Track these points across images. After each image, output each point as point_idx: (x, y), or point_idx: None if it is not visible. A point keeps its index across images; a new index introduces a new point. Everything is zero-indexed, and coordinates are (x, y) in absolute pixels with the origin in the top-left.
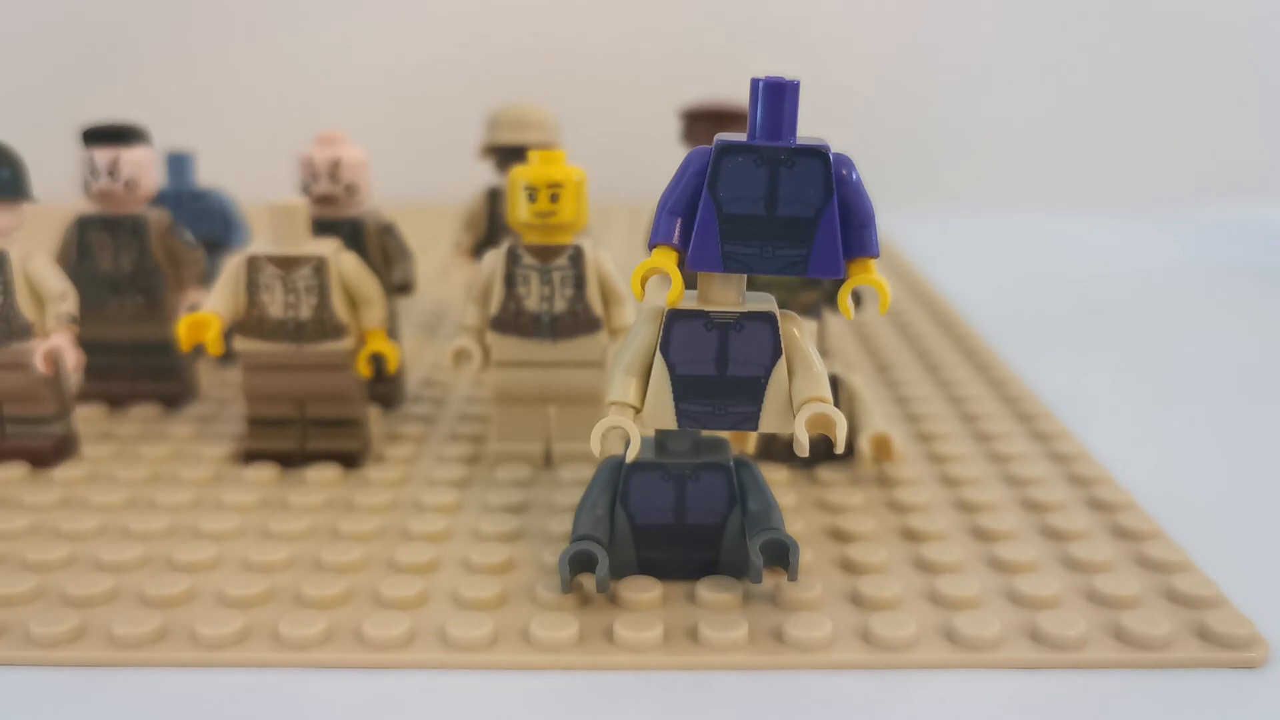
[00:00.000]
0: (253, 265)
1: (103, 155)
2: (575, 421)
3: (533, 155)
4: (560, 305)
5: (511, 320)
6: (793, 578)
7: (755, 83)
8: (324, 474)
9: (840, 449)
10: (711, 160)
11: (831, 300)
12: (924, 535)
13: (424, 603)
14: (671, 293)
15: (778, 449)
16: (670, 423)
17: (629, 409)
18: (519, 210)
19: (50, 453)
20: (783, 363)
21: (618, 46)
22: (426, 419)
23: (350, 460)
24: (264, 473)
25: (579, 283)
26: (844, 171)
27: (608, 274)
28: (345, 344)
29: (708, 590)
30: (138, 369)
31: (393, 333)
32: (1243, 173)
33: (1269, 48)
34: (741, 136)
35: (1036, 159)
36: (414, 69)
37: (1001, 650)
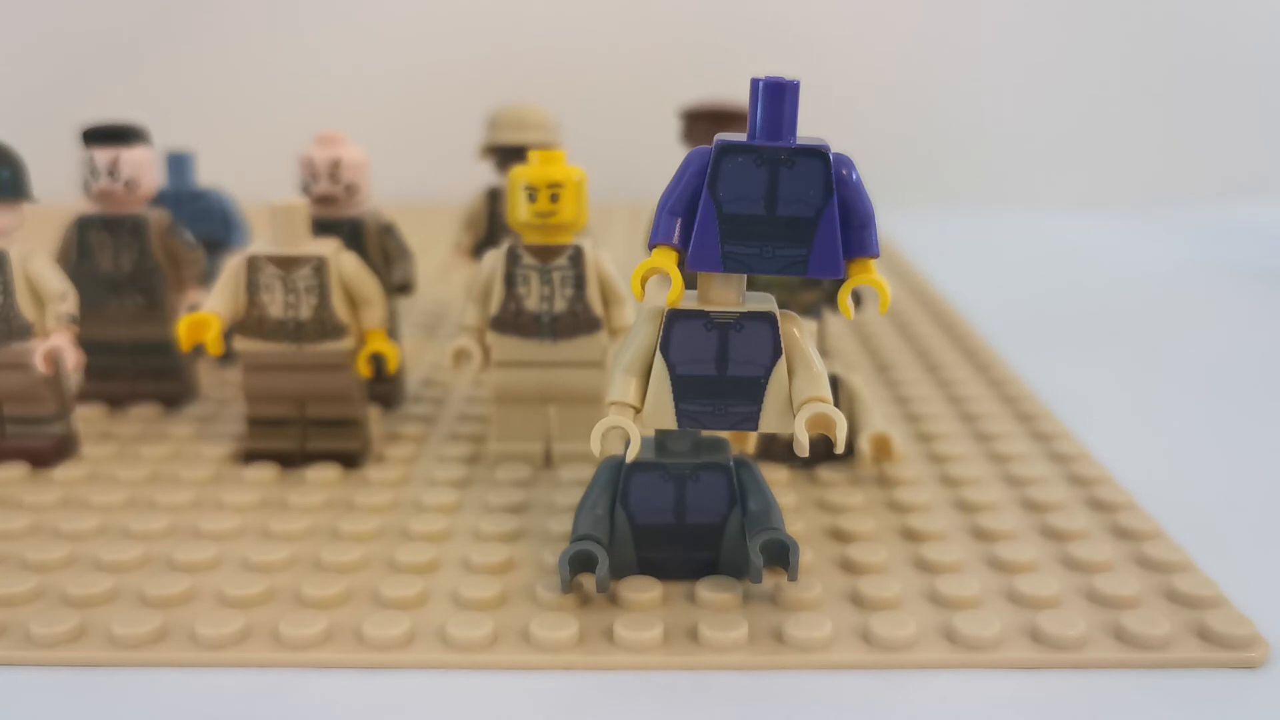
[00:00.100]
0: (253, 265)
1: (103, 155)
2: (575, 421)
3: (533, 155)
4: (560, 305)
5: (511, 320)
6: (793, 578)
7: (755, 83)
8: (324, 474)
9: (840, 449)
10: (711, 160)
11: (831, 300)
12: (924, 535)
13: (424, 603)
14: (671, 293)
15: (778, 449)
16: (670, 423)
17: (629, 409)
18: (519, 210)
19: (50, 453)
20: (783, 363)
21: (618, 47)
22: (426, 419)
23: (350, 460)
24: (264, 473)
25: (579, 283)
26: (844, 171)
27: (608, 274)
28: (345, 344)
29: (708, 590)
30: (138, 369)
31: (393, 333)
32: (1243, 173)
33: (1269, 48)
34: (741, 136)
35: (1036, 159)
36: (414, 69)
37: (1001, 650)
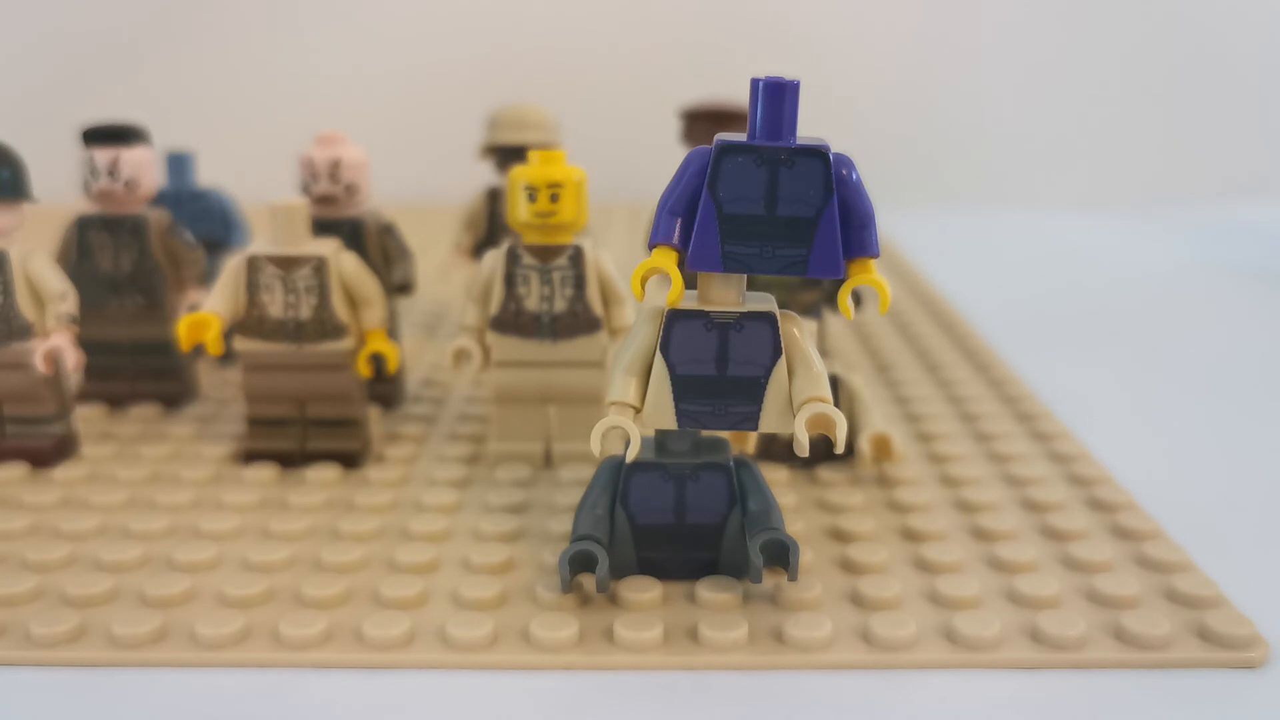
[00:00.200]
0: (253, 265)
1: (103, 155)
2: (575, 421)
3: (533, 155)
4: (560, 305)
5: (511, 320)
6: (793, 578)
7: (755, 83)
8: (324, 474)
9: (840, 449)
10: (711, 160)
11: (831, 300)
12: (924, 535)
13: (424, 603)
14: (671, 293)
15: (778, 449)
16: (670, 423)
17: (629, 409)
18: (519, 210)
19: (50, 453)
20: (783, 363)
21: (618, 47)
22: (426, 419)
23: (350, 460)
24: (264, 473)
25: (579, 283)
26: (844, 171)
27: (608, 274)
28: (345, 344)
29: (708, 590)
30: (138, 369)
31: (393, 333)
32: (1243, 173)
33: (1269, 48)
34: (741, 136)
35: (1036, 159)
36: (414, 69)
37: (1001, 650)
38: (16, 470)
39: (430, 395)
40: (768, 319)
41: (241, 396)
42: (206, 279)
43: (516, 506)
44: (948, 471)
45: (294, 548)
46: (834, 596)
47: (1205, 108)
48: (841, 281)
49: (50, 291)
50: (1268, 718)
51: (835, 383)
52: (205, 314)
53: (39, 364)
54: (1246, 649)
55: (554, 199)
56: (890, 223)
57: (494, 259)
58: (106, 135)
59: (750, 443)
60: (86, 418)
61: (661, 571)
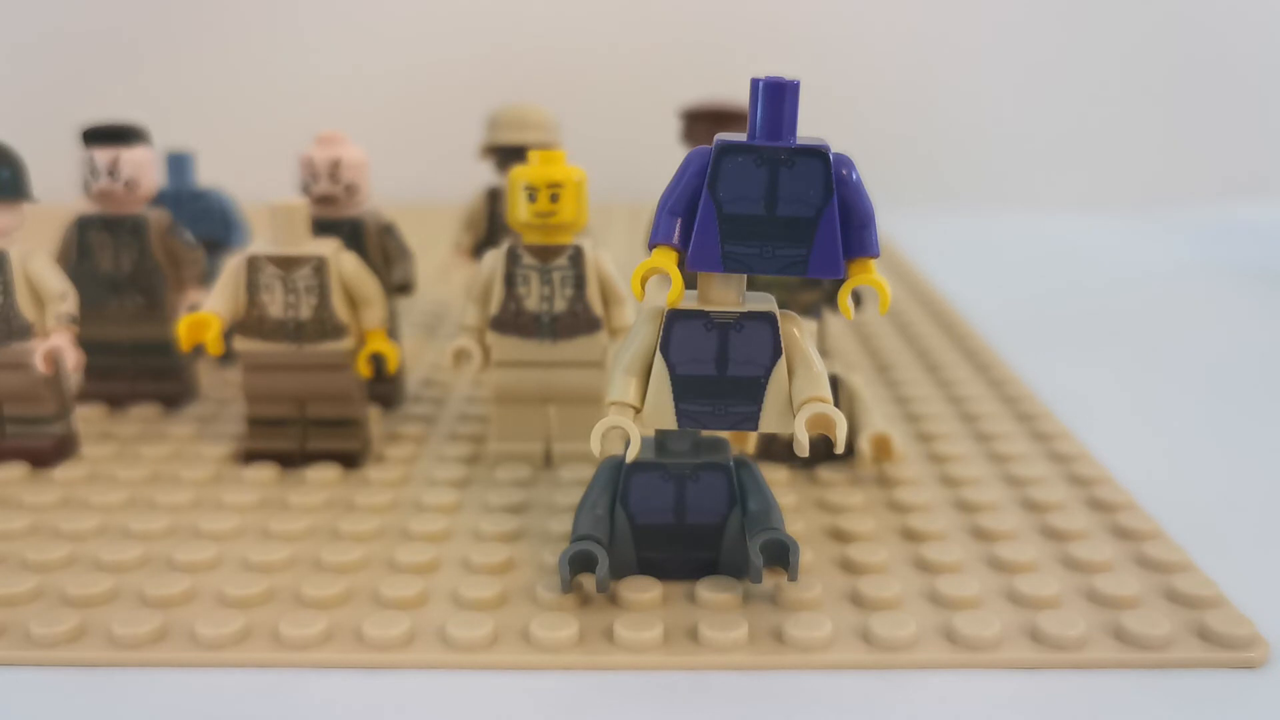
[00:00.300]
0: (253, 265)
1: (103, 155)
2: (575, 421)
3: (533, 155)
4: (560, 305)
5: (511, 320)
6: (793, 578)
7: (755, 83)
8: (324, 474)
9: (840, 449)
10: (711, 160)
11: (831, 300)
12: (924, 535)
13: (424, 603)
14: (671, 293)
15: (778, 449)
16: (670, 423)
17: (629, 409)
18: (519, 210)
19: (50, 453)
20: (783, 363)
21: (618, 47)
22: (426, 419)
23: (350, 460)
24: (264, 473)
25: (579, 283)
26: (844, 171)
27: (608, 274)
28: (345, 344)
29: (708, 590)
30: (138, 369)
31: (393, 333)
32: (1243, 173)
33: (1269, 48)
34: (741, 136)
35: (1036, 159)
36: (414, 69)
37: (1001, 650)
38: (16, 470)
39: (430, 395)
40: (768, 319)
41: (241, 396)
42: (206, 279)
43: (516, 506)
44: (948, 471)
45: (294, 548)
46: (834, 596)
47: (1205, 108)
48: (841, 281)
49: (50, 291)
50: (1268, 718)
51: (835, 383)
52: (205, 314)
53: (39, 364)
54: (1246, 649)
55: (554, 199)
56: (890, 223)
57: (494, 259)
58: (106, 135)
59: (750, 443)
60: (86, 418)
61: (661, 571)
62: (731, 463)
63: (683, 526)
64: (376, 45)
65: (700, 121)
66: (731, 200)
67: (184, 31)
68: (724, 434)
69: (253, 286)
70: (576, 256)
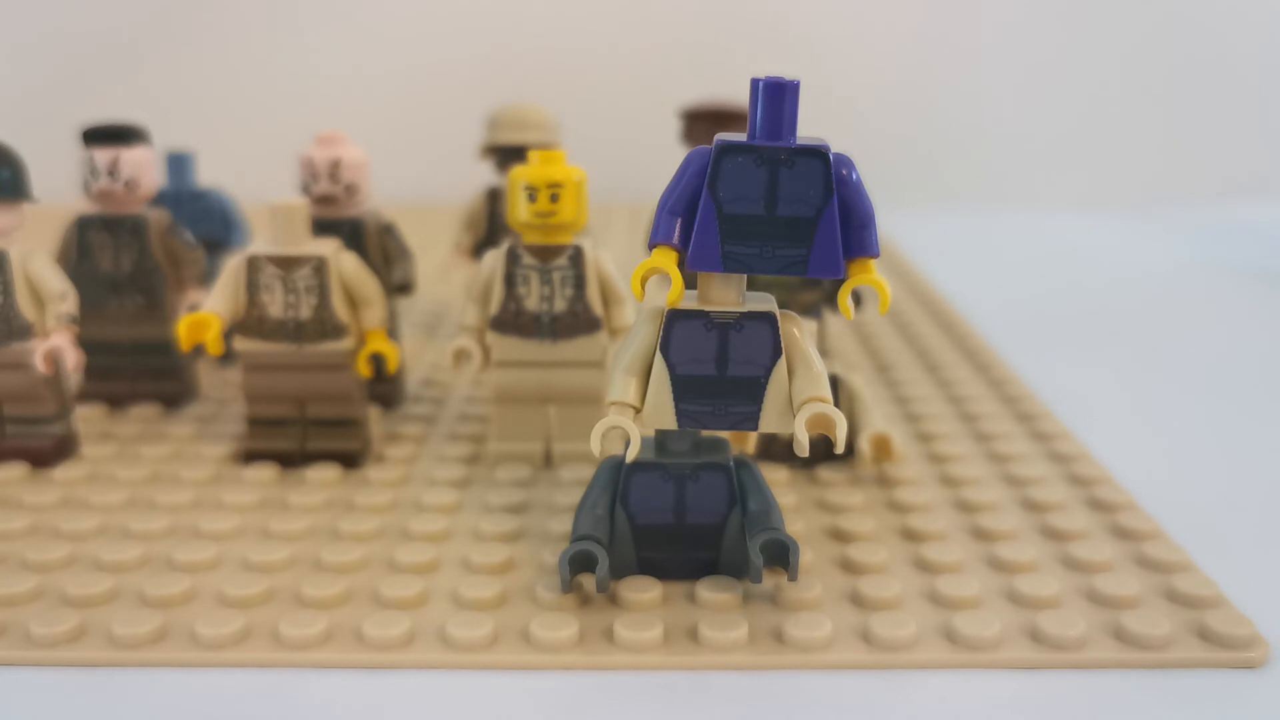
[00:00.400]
0: (253, 265)
1: (103, 155)
2: (575, 421)
3: (533, 155)
4: (560, 305)
5: (511, 320)
6: (793, 578)
7: (755, 83)
8: (324, 474)
9: (840, 449)
10: (711, 160)
11: (831, 300)
12: (924, 535)
13: (424, 603)
14: (671, 293)
15: (778, 449)
16: (670, 423)
17: (629, 409)
18: (519, 210)
19: (50, 453)
20: (783, 363)
21: (618, 47)
22: (426, 419)
23: (350, 460)
24: (264, 473)
25: (579, 283)
26: (844, 171)
27: (608, 274)
28: (345, 344)
29: (708, 590)
30: (138, 369)
31: (393, 333)
32: (1243, 173)
33: (1269, 48)
34: (741, 136)
35: (1036, 159)
36: (414, 69)
37: (1001, 650)
38: (16, 470)
39: (430, 395)
40: (768, 319)
41: (241, 396)
42: (206, 279)
43: (516, 506)
44: (948, 471)
45: (294, 548)
46: (834, 596)
47: (1205, 108)
48: (841, 281)
49: (50, 291)
50: (1268, 718)
51: (835, 383)
52: (205, 314)
53: (39, 364)
54: (1246, 649)
55: (554, 199)
56: (890, 223)
57: (494, 259)
58: (106, 135)
59: (750, 443)
60: (86, 418)
61: (661, 571)
62: (731, 463)
63: (683, 526)
64: (376, 45)
65: (700, 121)
66: (731, 200)
67: (184, 31)
68: (724, 434)
69: (253, 286)
70: (576, 256)
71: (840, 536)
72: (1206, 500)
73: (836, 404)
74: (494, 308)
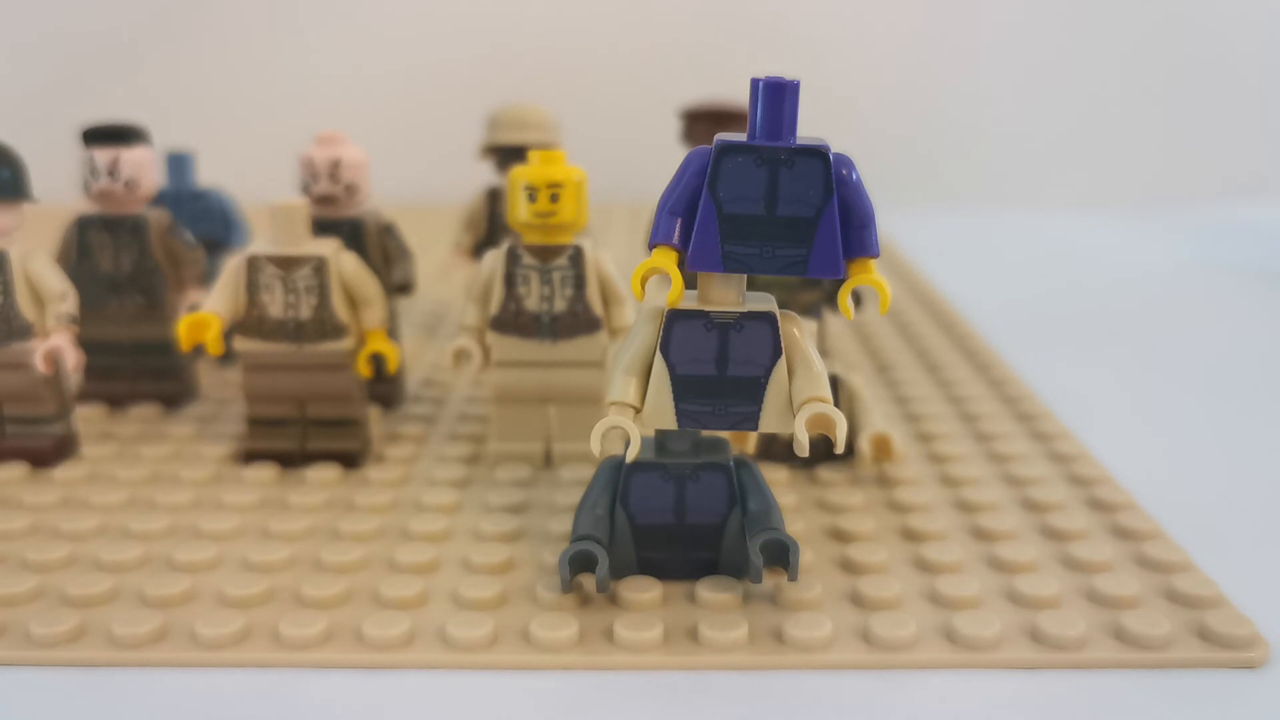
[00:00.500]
0: (253, 265)
1: (103, 155)
2: (575, 421)
3: (533, 155)
4: (560, 305)
5: (511, 320)
6: (793, 578)
7: (755, 83)
8: (324, 474)
9: (840, 449)
10: (711, 160)
11: (831, 300)
12: (924, 535)
13: (424, 603)
14: (671, 293)
15: (778, 449)
16: (670, 423)
17: (629, 409)
18: (519, 210)
19: (50, 453)
20: (783, 363)
21: (618, 47)
22: (426, 419)
23: (350, 460)
24: (264, 473)
25: (579, 283)
26: (844, 171)
27: (608, 274)
28: (345, 344)
29: (708, 590)
30: (138, 369)
31: (393, 333)
32: (1243, 173)
33: (1269, 48)
34: (741, 136)
35: (1036, 159)
36: (414, 69)
37: (1001, 650)
38: (16, 470)
39: (430, 395)
40: (768, 319)
41: (241, 396)
42: (206, 279)
43: (516, 506)
44: (948, 471)
45: (294, 548)
46: (834, 596)
47: (1205, 108)
48: (841, 281)
49: (50, 291)
50: (1268, 718)
51: (835, 383)
52: (205, 314)
53: (39, 364)
54: (1246, 649)
55: (554, 199)
56: (890, 223)
57: (494, 259)
58: (106, 135)
59: (750, 443)
60: (86, 418)
61: (661, 571)
62: (731, 463)
63: (683, 526)
64: (376, 45)
65: (700, 121)
66: (731, 200)
67: (184, 31)
68: (724, 434)
69: (253, 286)
70: (576, 256)
71: (840, 536)
72: (1206, 500)
73: (836, 404)
74: (494, 308)
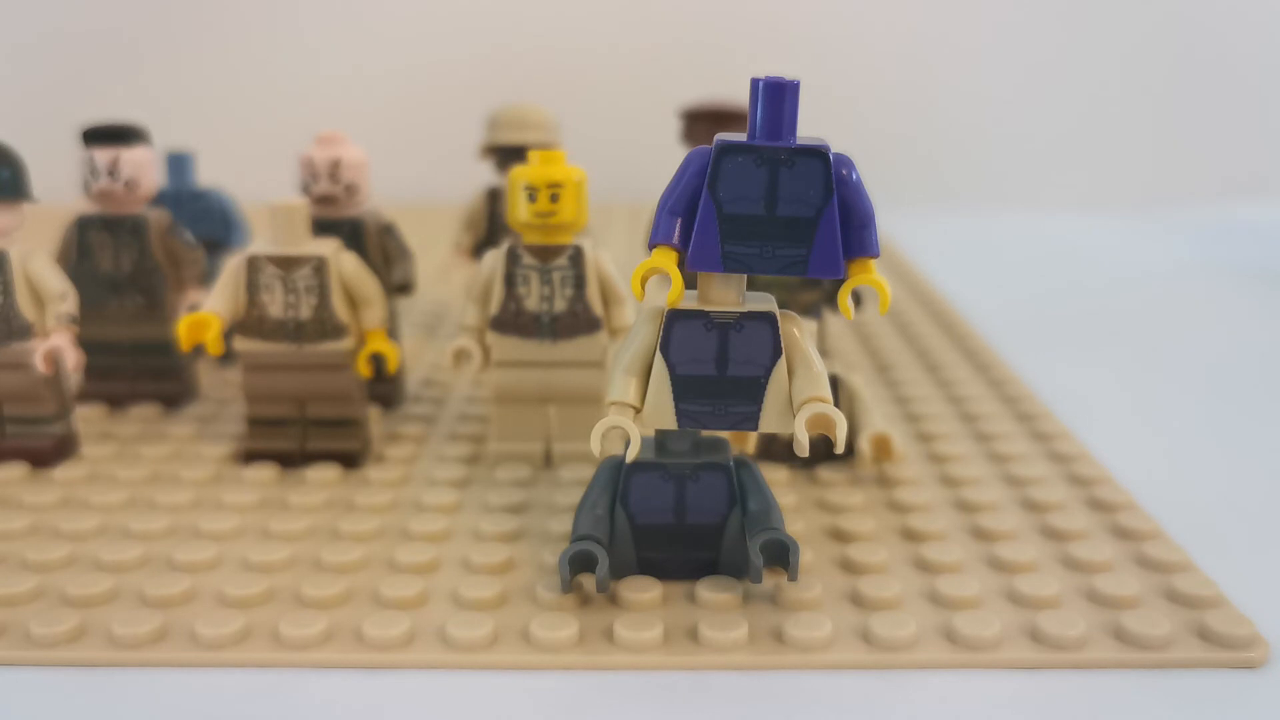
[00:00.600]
0: (253, 265)
1: (103, 155)
2: (575, 421)
3: (533, 155)
4: (560, 305)
5: (511, 320)
6: (793, 578)
7: (755, 83)
8: (324, 474)
9: (840, 449)
10: (711, 160)
11: (831, 300)
12: (924, 535)
13: (424, 603)
14: (671, 293)
15: (778, 449)
16: (670, 423)
17: (629, 409)
18: (519, 210)
19: (50, 453)
20: (783, 363)
21: (618, 47)
22: (426, 419)
23: (350, 460)
24: (264, 473)
25: (579, 283)
26: (844, 171)
27: (608, 274)
28: (345, 344)
29: (708, 590)
30: (138, 369)
31: (393, 333)
32: (1243, 173)
33: (1269, 48)
34: (741, 136)
35: (1036, 159)
36: (414, 69)
37: (1001, 650)
38: (16, 470)
39: (430, 395)
40: (768, 319)
41: (241, 396)
42: (206, 279)
43: (516, 506)
44: (948, 471)
45: (294, 548)
46: (834, 596)
47: (1205, 108)
48: (841, 281)
49: (50, 291)
50: (1268, 718)
51: (835, 383)
52: (205, 314)
53: (39, 364)
54: (1246, 649)
55: (554, 199)
56: (890, 223)
57: (494, 259)
58: (106, 135)
59: (750, 443)
60: (86, 418)
61: (661, 571)
62: (731, 463)
63: (683, 526)
64: (376, 45)
65: (700, 121)
66: (731, 200)
67: (184, 31)
68: (724, 434)
69: (253, 286)
70: (576, 256)
71: (840, 536)
72: (1206, 500)
73: (836, 404)
74: (494, 308)
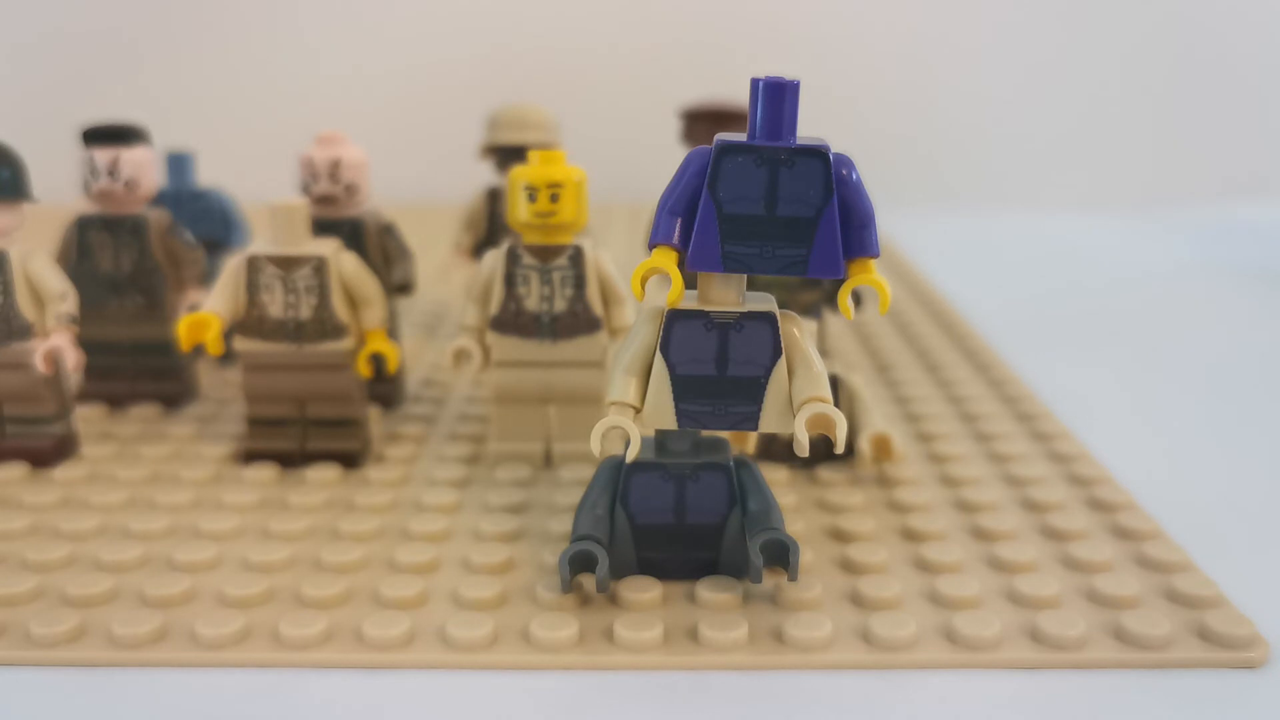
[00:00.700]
0: (253, 265)
1: (103, 155)
2: (575, 421)
3: (533, 155)
4: (560, 305)
5: (511, 320)
6: (793, 578)
7: (755, 83)
8: (324, 474)
9: (840, 449)
10: (711, 160)
11: (831, 300)
12: (924, 535)
13: (424, 603)
14: (671, 293)
15: (778, 449)
16: (670, 423)
17: (629, 409)
18: (519, 210)
19: (50, 453)
20: (783, 363)
21: (618, 47)
22: (426, 419)
23: (350, 460)
24: (264, 473)
25: (579, 283)
26: (844, 171)
27: (608, 274)
28: (345, 344)
29: (708, 590)
30: (138, 369)
31: (393, 333)
32: (1243, 173)
33: (1269, 48)
34: (741, 136)
35: (1037, 159)
36: (414, 69)
37: (1001, 650)
38: (16, 470)
39: (430, 395)
40: (768, 319)
41: (241, 396)
42: (206, 279)
43: (516, 506)
44: (948, 471)
45: (294, 548)
46: (834, 596)
47: (1205, 108)
48: (841, 281)
49: (50, 291)
50: (1268, 718)
51: (835, 383)
52: (205, 314)
53: (39, 364)
54: (1246, 649)
55: (554, 199)
56: (890, 223)
57: (494, 259)
58: (106, 135)
59: (750, 443)
60: (86, 418)
61: (661, 571)
62: (731, 463)
63: (683, 526)
64: (376, 45)
65: (700, 121)
66: (731, 200)
67: (184, 31)
68: (724, 434)
69: (253, 286)
70: (576, 256)
71: (840, 536)
72: (1206, 500)
73: (836, 404)
74: (494, 308)
